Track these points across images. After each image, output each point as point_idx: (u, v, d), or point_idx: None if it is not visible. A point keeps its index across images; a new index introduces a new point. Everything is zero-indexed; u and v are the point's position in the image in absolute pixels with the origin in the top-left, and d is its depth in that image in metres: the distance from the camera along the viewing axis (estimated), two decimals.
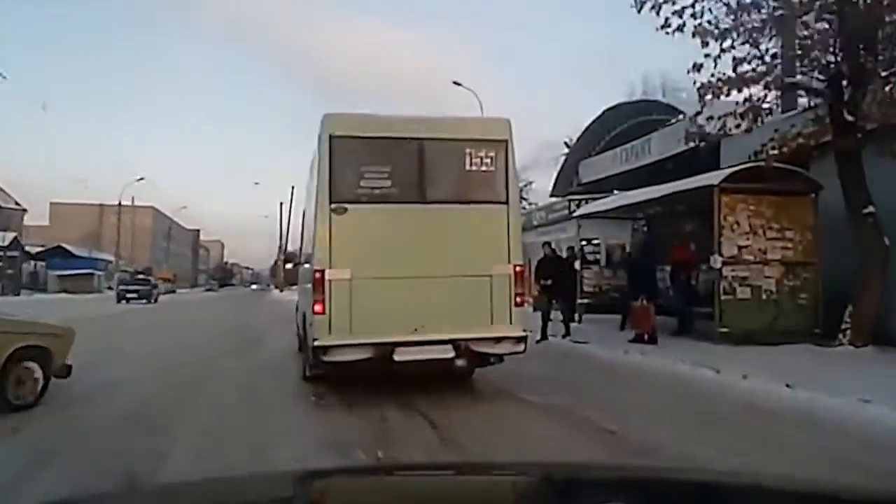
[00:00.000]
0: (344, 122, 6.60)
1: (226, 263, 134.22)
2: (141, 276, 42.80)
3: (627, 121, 20.09)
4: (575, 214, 16.02)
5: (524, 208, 29.21)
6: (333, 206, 6.39)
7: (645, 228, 15.01)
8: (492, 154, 6.70)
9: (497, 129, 6.87)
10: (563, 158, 25.90)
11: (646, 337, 10.45)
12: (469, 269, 6.48)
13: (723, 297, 10.01)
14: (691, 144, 15.21)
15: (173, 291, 61.11)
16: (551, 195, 25.39)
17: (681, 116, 16.01)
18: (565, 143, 29.66)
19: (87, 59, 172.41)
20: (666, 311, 11.93)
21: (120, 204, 56.09)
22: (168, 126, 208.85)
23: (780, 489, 1.68)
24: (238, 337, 14.20)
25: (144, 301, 35.81)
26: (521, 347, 6.64)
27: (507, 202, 6.74)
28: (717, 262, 10.04)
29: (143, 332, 16.03)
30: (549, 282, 11.69)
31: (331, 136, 6.45)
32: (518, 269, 6.70)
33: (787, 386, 6.54)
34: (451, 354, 6.35)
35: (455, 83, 26.81)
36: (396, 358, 6.22)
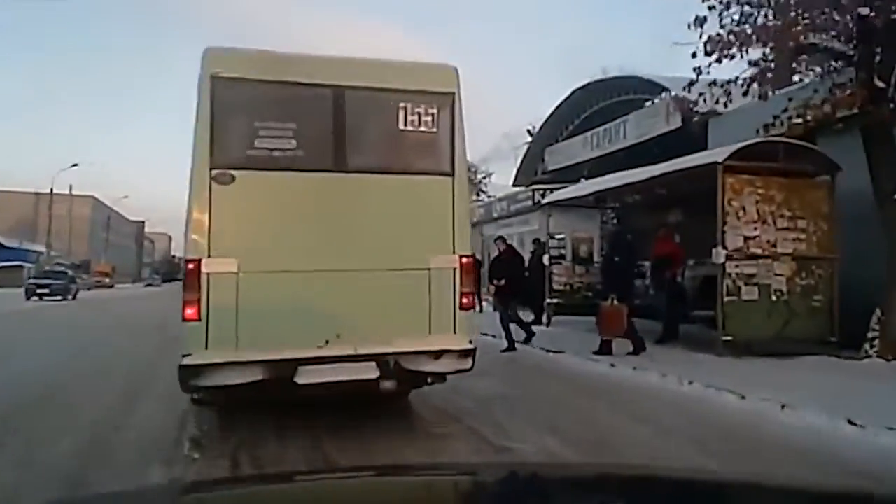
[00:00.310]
0: (232, 60, 4.84)
1: (173, 257, 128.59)
2: (57, 269, 37.77)
3: (600, 102, 18.53)
4: (545, 202, 14.16)
5: (482, 201, 27.45)
6: (214, 172, 4.64)
7: (615, 220, 13.40)
8: (433, 110, 5.09)
9: (441, 79, 5.21)
10: (526, 148, 24.22)
11: (626, 348, 8.66)
12: (401, 260, 4.96)
13: (726, 299, 8.28)
14: (672, 126, 13.75)
15: (110, 286, 57.24)
16: (514, 184, 23.71)
17: (663, 95, 14.41)
18: (528, 132, 27.68)
19: (28, 43, 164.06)
20: (646, 313, 10.21)
21: (52, 192, 52.24)
22: (117, 115, 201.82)
23: (780, 489, 1.61)
24: (150, 340, 11.93)
25: (59, 298, 30.15)
26: (467, 364, 5.08)
27: (452, 173, 5.16)
28: (719, 255, 8.29)
29: (30, 336, 13.67)
30: (503, 282, 10.04)
31: (212, 78, 4.67)
32: (465, 260, 5.15)
33: (851, 423, 4.78)
34: (376, 374, 4.75)
35: None
36: (300, 380, 4.59)
